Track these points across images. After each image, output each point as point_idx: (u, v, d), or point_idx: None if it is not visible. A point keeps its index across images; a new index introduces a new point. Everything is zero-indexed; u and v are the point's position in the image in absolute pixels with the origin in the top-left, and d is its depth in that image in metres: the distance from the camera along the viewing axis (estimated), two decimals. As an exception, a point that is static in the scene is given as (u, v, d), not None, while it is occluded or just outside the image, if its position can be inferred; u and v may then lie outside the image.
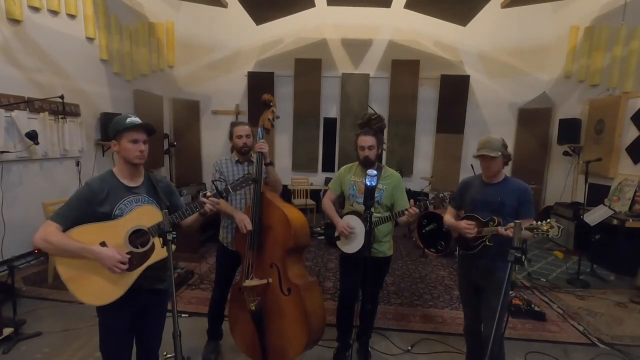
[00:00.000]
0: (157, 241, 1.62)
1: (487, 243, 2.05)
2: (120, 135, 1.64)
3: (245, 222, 2.24)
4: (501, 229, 1.95)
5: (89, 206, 1.59)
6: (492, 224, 2.05)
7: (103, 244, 1.58)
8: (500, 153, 2.04)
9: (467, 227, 2.09)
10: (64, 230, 1.56)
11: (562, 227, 1.89)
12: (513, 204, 2.06)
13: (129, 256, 1.59)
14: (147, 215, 1.65)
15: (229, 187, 1.79)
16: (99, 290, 1.59)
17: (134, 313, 1.72)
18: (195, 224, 1.88)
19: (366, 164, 2.34)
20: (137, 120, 1.66)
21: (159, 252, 1.64)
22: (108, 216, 1.61)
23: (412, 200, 2.19)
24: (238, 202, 2.50)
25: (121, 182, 1.67)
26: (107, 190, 1.62)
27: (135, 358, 1.85)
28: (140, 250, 1.62)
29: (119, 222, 1.61)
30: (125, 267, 1.56)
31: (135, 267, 1.61)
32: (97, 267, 1.58)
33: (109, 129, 1.69)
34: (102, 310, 1.65)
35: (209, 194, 1.73)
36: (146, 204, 1.68)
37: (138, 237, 1.63)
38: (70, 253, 1.55)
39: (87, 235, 1.57)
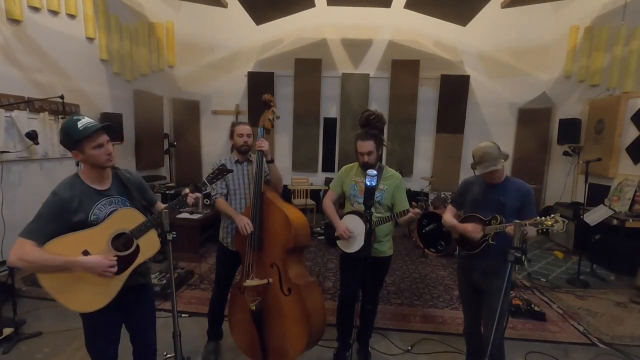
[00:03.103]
0: (141, 242, 1.62)
1: (490, 242, 2.05)
2: (80, 145, 1.52)
3: (245, 223, 2.25)
4: (509, 228, 1.94)
5: (63, 217, 1.51)
6: (494, 222, 2.04)
7: (86, 253, 1.54)
8: (502, 161, 2.03)
9: (474, 230, 2.08)
10: (40, 246, 1.47)
11: (567, 221, 1.89)
12: (515, 205, 2.06)
13: (115, 258, 1.56)
14: (126, 218, 1.61)
15: (205, 180, 1.81)
16: (88, 298, 1.56)
17: (120, 310, 1.70)
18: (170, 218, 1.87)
19: (366, 168, 2.33)
20: (90, 122, 1.54)
21: (144, 253, 1.63)
22: (84, 223, 1.55)
23: (413, 203, 2.18)
24: (238, 202, 2.50)
25: (90, 187, 1.60)
26: (79, 198, 1.55)
27: (132, 357, 1.85)
28: (125, 253, 1.60)
29: (98, 228, 1.57)
30: (115, 269, 1.54)
31: (122, 271, 1.59)
32: (82, 276, 1.53)
33: (63, 139, 1.55)
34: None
35: (187, 190, 1.74)
36: (123, 208, 1.64)
37: (120, 240, 1.61)
38: (53, 268, 1.48)
39: (66, 246, 1.50)
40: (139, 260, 1.63)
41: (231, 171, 1.95)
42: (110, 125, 1.64)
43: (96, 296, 1.56)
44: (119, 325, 1.75)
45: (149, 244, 1.64)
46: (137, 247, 1.62)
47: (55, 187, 1.58)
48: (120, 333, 1.76)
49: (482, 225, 2.09)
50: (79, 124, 1.52)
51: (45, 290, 1.54)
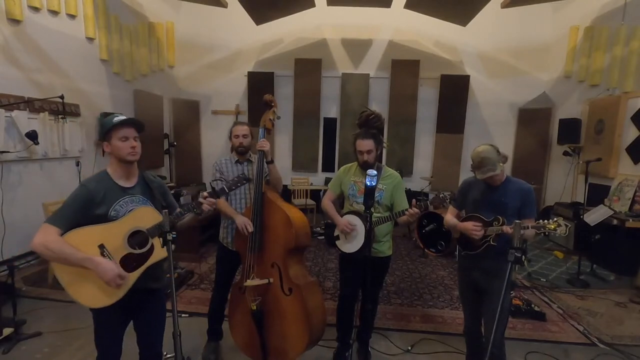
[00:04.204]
0: (155, 242, 1.61)
1: (492, 243, 2.05)
2: (109, 135, 1.62)
3: (246, 224, 2.25)
4: (506, 228, 1.95)
5: (87, 208, 1.57)
6: (496, 223, 2.04)
7: (102, 247, 1.58)
8: (501, 165, 2.03)
9: (474, 228, 2.07)
10: (63, 233, 1.53)
11: (570, 225, 1.89)
12: (516, 205, 2.06)
13: (126, 275, 1.57)
14: (145, 216, 1.63)
15: (224, 187, 1.81)
16: (98, 293, 1.57)
17: (129, 312, 1.72)
18: (190, 223, 1.89)
19: (365, 167, 2.32)
20: (124, 118, 1.64)
21: (158, 253, 1.64)
22: (104, 217, 1.59)
23: (413, 200, 2.18)
24: (238, 202, 2.50)
25: (116, 183, 1.65)
26: (104, 192, 1.60)
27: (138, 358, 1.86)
28: (139, 251, 1.61)
29: (116, 224, 1.59)
30: (121, 282, 1.54)
31: (134, 269, 1.60)
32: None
33: (99, 130, 1.68)
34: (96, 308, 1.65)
35: (205, 194, 1.74)
36: (143, 205, 1.67)
37: (136, 238, 1.62)
38: (69, 262, 1.52)
39: (85, 238, 1.55)
40: (152, 260, 1.63)
41: (251, 180, 1.95)
42: (137, 121, 1.69)
43: (105, 293, 1.58)
44: (124, 325, 1.76)
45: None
46: (152, 246, 1.63)
47: (85, 179, 1.66)
48: (123, 333, 1.77)
49: (481, 224, 2.09)
50: (115, 119, 1.63)
51: (58, 279, 1.58)
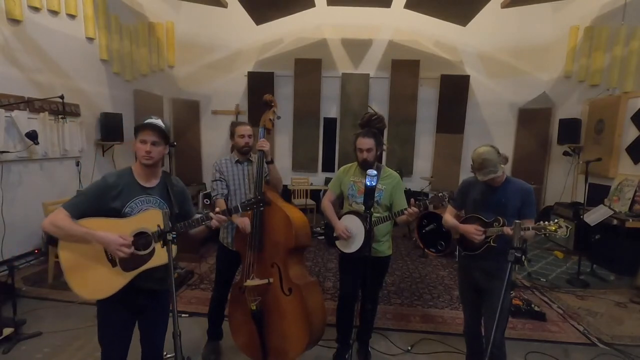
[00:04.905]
0: (158, 246, 1.62)
1: (492, 244, 2.05)
2: (136, 134, 1.67)
3: (244, 224, 2.25)
4: (507, 229, 1.95)
5: (102, 199, 1.61)
6: (497, 224, 2.04)
7: None
8: (502, 166, 2.03)
9: (476, 232, 2.07)
10: (73, 219, 1.58)
11: (570, 227, 1.89)
12: (516, 205, 2.06)
13: (132, 239, 1.59)
14: (155, 218, 1.61)
15: (239, 206, 1.81)
16: (93, 284, 1.61)
17: (132, 312, 1.73)
18: (201, 234, 1.89)
19: (365, 166, 2.33)
20: (153, 120, 1.67)
21: (158, 258, 1.64)
22: (118, 212, 1.62)
23: (412, 200, 2.18)
24: (238, 202, 2.48)
25: (136, 181, 1.69)
26: (122, 187, 1.64)
27: (140, 358, 1.86)
28: (141, 252, 1.62)
29: (126, 220, 1.62)
30: (129, 250, 1.57)
31: (132, 269, 1.61)
32: (97, 260, 1.60)
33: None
34: (100, 304, 1.68)
35: (218, 209, 1.74)
36: (156, 208, 1.68)
37: (141, 239, 1.63)
38: (75, 238, 1.58)
39: (93, 227, 1.59)
40: (151, 263, 1.63)
41: (268, 204, 1.94)
42: (159, 127, 1.66)
43: (100, 286, 1.61)
44: (129, 325, 1.76)
45: (165, 251, 1.61)
46: (154, 250, 1.63)
47: (109, 172, 1.73)
48: (131, 333, 1.77)
49: (481, 225, 2.09)
50: (146, 120, 1.68)
51: (61, 263, 1.62)
